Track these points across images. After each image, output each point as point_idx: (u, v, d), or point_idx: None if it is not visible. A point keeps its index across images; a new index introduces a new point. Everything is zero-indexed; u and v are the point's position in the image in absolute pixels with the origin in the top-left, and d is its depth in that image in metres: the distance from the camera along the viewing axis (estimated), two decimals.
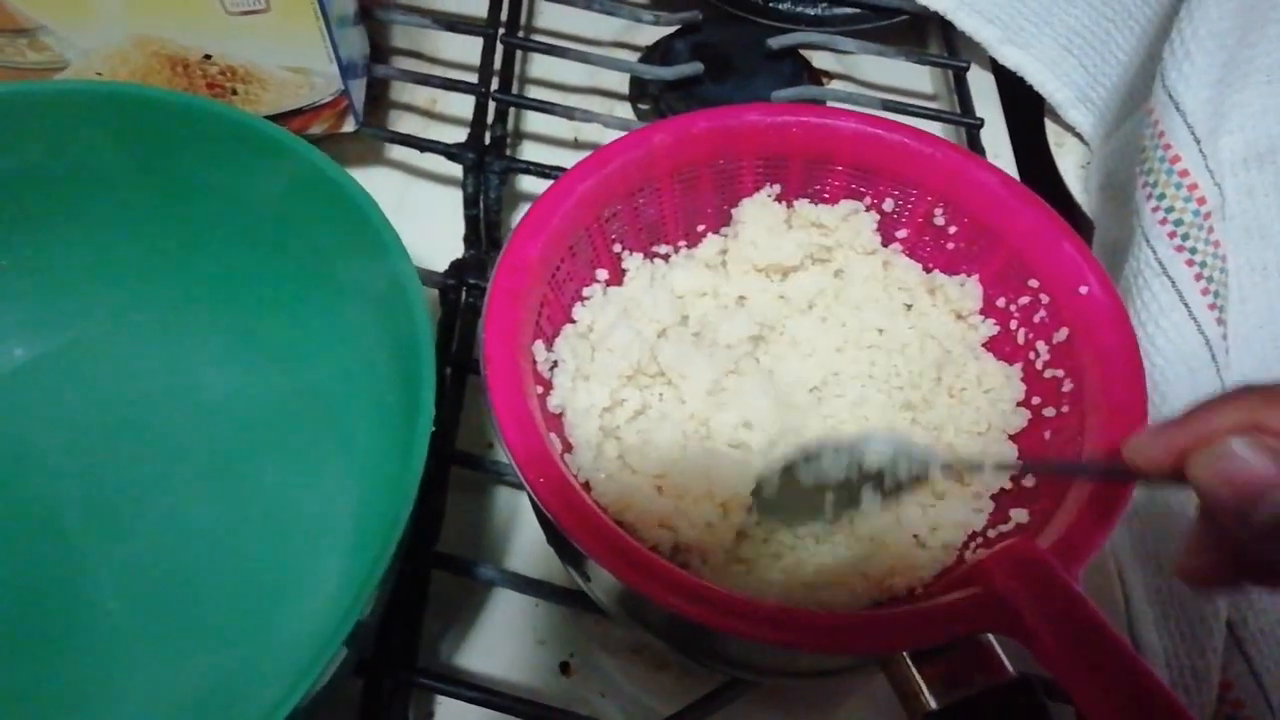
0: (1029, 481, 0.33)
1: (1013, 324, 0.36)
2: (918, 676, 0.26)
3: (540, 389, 0.33)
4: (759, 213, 0.38)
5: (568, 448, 0.33)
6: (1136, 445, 0.25)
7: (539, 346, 0.34)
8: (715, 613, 0.26)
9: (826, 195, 0.39)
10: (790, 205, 0.39)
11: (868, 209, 0.39)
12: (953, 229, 0.37)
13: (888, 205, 0.38)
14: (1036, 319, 0.35)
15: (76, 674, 0.36)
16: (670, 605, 0.26)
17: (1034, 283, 0.35)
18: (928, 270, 0.39)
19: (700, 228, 0.39)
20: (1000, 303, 0.37)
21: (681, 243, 0.39)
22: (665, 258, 0.39)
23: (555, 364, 0.34)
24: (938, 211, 0.37)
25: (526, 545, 0.42)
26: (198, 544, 0.38)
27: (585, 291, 0.37)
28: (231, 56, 0.45)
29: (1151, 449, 0.25)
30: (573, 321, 0.36)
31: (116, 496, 0.39)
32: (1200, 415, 0.24)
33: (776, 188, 0.39)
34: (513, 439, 0.29)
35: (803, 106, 0.38)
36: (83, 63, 0.44)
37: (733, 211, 0.39)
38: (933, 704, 0.25)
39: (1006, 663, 0.26)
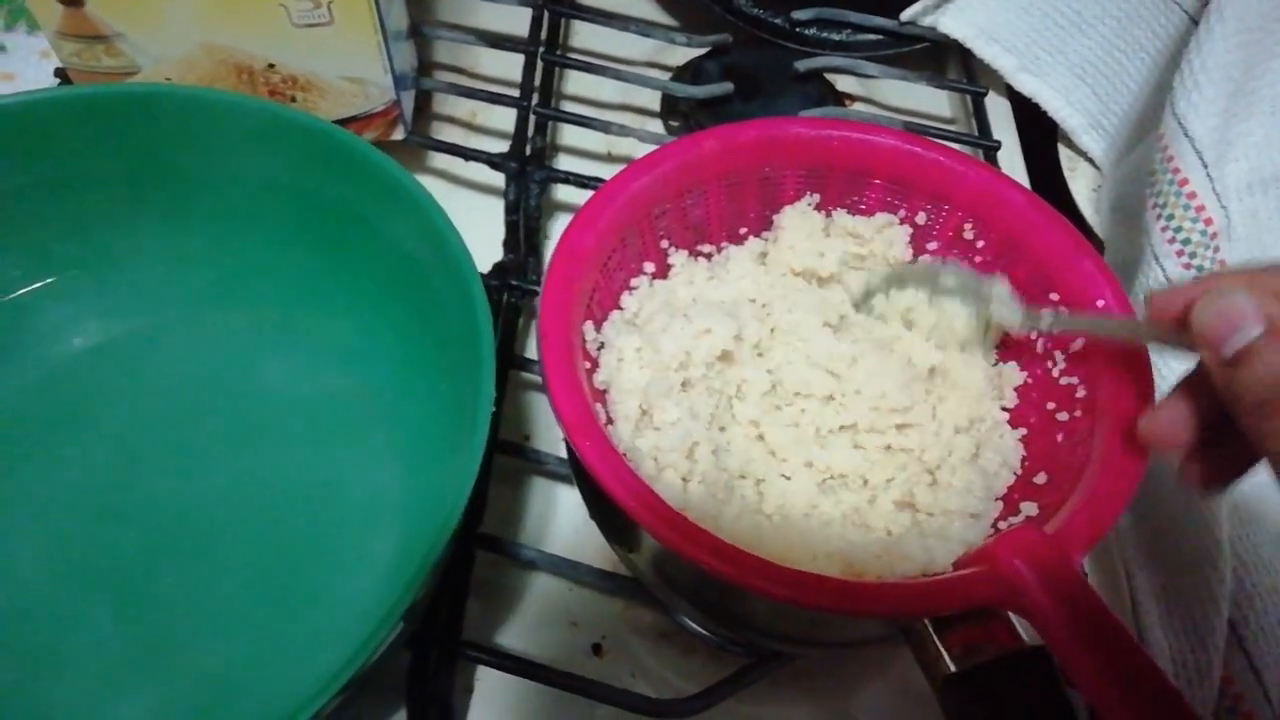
0: (1040, 479, 0.34)
1: (1033, 334, 0.37)
2: (938, 643, 0.28)
3: (588, 365, 0.35)
4: (799, 220, 0.40)
5: (609, 421, 0.35)
6: (1156, 296, 0.28)
7: (588, 327, 0.35)
8: (742, 571, 0.27)
9: (863, 207, 0.40)
10: (829, 214, 0.40)
11: (902, 221, 0.40)
12: (981, 243, 0.39)
13: (921, 218, 0.39)
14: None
15: (142, 642, 0.37)
16: (703, 563, 0.27)
17: (1055, 295, 0.36)
18: None
19: (743, 230, 0.41)
20: None
21: (725, 243, 0.41)
22: (709, 256, 0.41)
23: (602, 345, 0.36)
24: (967, 226, 0.39)
25: (562, 532, 0.43)
26: (253, 524, 0.39)
27: (633, 282, 0.38)
28: (294, 66, 0.47)
29: (1166, 297, 0.28)
30: (620, 308, 0.38)
31: (175, 480, 0.40)
32: (1211, 275, 0.27)
33: (816, 197, 0.40)
34: (562, 404, 0.31)
35: (844, 122, 0.39)
36: (154, 68, 0.46)
37: (774, 217, 0.40)
38: (952, 668, 0.27)
39: (1022, 633, 0.28)
